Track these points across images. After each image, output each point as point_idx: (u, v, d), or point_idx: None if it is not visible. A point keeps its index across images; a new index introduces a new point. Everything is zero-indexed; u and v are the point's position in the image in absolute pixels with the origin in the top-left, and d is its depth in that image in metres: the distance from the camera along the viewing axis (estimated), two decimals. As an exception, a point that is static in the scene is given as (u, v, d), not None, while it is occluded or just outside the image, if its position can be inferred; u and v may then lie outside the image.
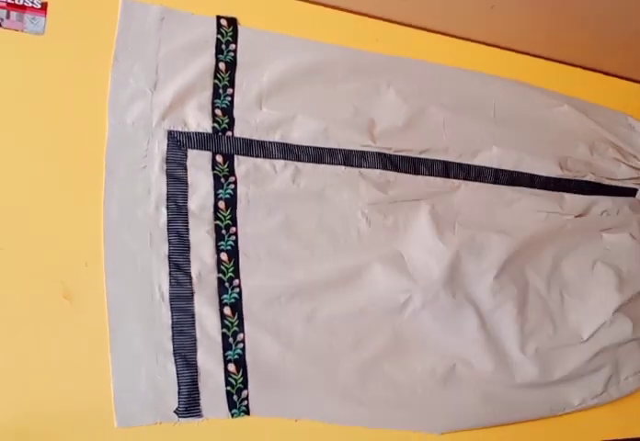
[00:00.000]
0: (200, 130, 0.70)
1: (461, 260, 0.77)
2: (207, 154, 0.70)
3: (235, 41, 0.74)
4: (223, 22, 0.73)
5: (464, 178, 0.84)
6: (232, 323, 0.66)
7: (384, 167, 0.78)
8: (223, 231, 0.68)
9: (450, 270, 0.76)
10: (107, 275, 0.63)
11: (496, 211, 0.85)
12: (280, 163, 0.73)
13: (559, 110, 0.93)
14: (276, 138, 0.74)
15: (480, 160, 0.85)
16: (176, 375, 0.63)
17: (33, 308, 0.60)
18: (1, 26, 0.64)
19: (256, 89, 0.74)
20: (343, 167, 0.76)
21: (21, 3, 0.65)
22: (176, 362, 0.63)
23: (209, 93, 0.71)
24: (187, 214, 0.67)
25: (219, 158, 0.70)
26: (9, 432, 0.57)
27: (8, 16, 0.65)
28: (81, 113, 0.66)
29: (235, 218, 0.69)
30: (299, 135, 0.75)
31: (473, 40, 0.91)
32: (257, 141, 0.73)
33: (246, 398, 0.65)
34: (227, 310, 0.66)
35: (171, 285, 0.65)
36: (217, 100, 0.72)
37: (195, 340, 0.64)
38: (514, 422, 0.77)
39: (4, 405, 0.57)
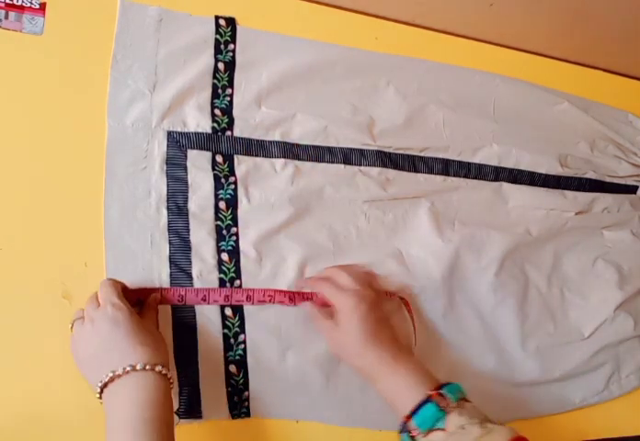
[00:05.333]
0: (200, 131, 0.70)
1: (460, 257, 0.77)
2: (207, 154, 0.70)
3: (234, 41, 0.74)
4: (222, 22, 0.73)
5: (464, 176, 0.84)
6: (233, 324, 0.66)
7: (384, 165, 0.78)
8: (224, 232, 0.68)
9: (449, 268, 0.76)
10: (107, 275, 0.63)
11: (496, 209, 0.84)
12: (279, 162, 0.73)
13: (559, 108, 0.93)
14: (276, 137, 0.74)
15: (480, 158, 0.85)
16: (177, 376, 0.63)
17: (32, 308, 0.60)
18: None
19: (255, 89, 0.74)
20: (343, 166, 0.76)
21: (20, 3, 0.65)
22: (177, 363, 0.64)
23: (208, 93, 0.71)
24: (187, 215, 0.67)
25: (219, 158, 0.70)
26: (8, 432, 0.57)
27: (7, 17, 0.65)
28: (80, 114, 0.66)
29: (236, 218, 0.69)
30: (299, 134, 0.75)
31: (472, 38, 0.91)
32: (257, 141, 0.73)
33: (247, 399, 0.65)
34: (228, 311, 0.66)
35: (172, 286, 0.65)
36: (216, 100, 0.72)
37: (196, 341, 0.64)
38: (514, 420, 0.77)
39: (3, 406, 0.57)
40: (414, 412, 0.57)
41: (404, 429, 0.58)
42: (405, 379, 0.60)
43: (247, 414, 0.65)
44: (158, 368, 0.54)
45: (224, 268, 0.67)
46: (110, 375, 0.52)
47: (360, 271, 0.67)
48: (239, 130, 0.72)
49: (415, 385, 0.59)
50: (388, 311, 0.65)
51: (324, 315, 0.64)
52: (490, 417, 0.59)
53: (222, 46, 0.73)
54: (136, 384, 0.52)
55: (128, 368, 0.52)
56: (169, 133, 0.68)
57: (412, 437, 0.57)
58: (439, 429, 0.56)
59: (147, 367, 0.53)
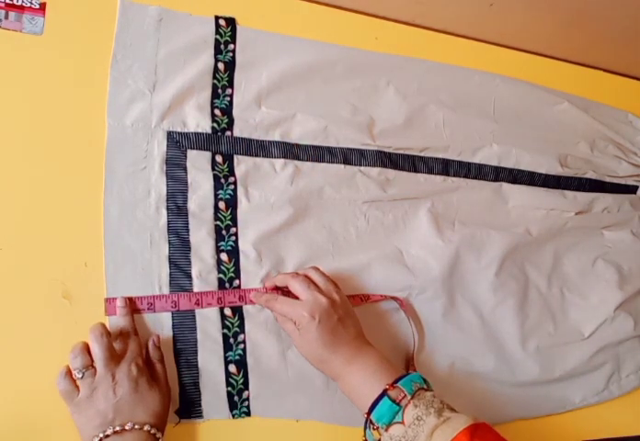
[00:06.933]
0: (200, 131, 0.70)
1: (460, 257, 0.77)
2: (207, 155, 0.70)
3: (234, 41, 0.74)
4: (222, 22, 0.73)
5: (464, 176, 0.84)
6: (232, 324, 0.66)
7: (384, 165, 0.78)
8: (224, 232, 0.68)
9: (449, 267, 0.76)
10: (107, 275, 0.63)
11: (496, 209, 0.85)
12: (279, 162, 0.73)
13: (559, 108, 0.93)
14: (275, 137, 0.74)
15: (480, 158, 0.85)
16: (177, 376, 0.63)
17: (32, 308, 0.60)
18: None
19: (255, 89, 0.74)
20: (342, 166, 0.76)
21: (20, 3, 0.65)
22: (177, 363, 0.63)
23: (208, 93, 0.71)
24: (187, 215, 0.67)
25: (218, 158, 0.70)
26: (8, 432, 0.57)
27: (7, 17, 0.65)
28: (80, 114, 0.66)
29: (236, 218, 0.69)
30: (299, 134, 0.75)
31: (472, 38, 0.91)
32: (257, 141, 0.73)
33: (247, 399, 0.65)
34: (227, 311, 0.66)
35: (172, 286, 0.65)
36: (216, 100, 0.72)
37: (196, 341, 0.64)
38: (514, 420, 0.77)
39: (3, 406, 0.57)
40: (372, 408, 0.58)
41: (367, 426, 0.59)
42: (363, 377, 0.61)
43: (247, 414, 0.65)
44: (153, 431, 0.56)
45: (224, 268, 0.67)
46: (111, 430, 0.54)
47: (310, 274, 0.67)
48: (239, 130, 0.72)
49: (373, 381, 0.60)
50: (346, 312, 0.65)
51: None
52: (453, 405, 0.59)
53: (222, 46, 0.73)
54: None
55: (136, 427, 0.55)
56: (169, 133, 0.68)
57: (376, 433, 0.58)
58: (398, 423, 0.57)
59: (145, 429, 0.55)
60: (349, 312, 0.66)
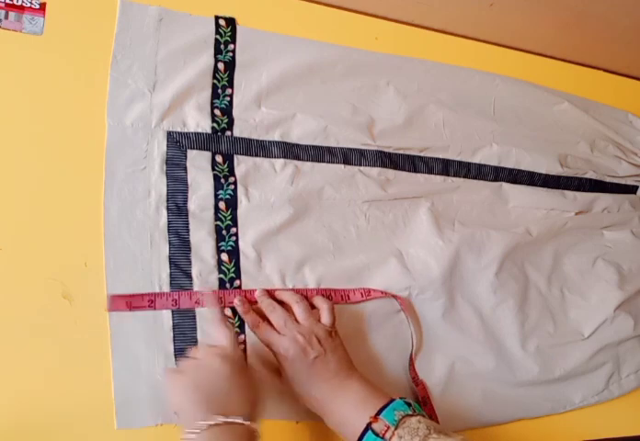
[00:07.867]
0: (200, 131, 0.70)
1: (460, 257, 0.77)
2: (207, 154, 0.70)
3: (234, 41, 0.74)
4: (222, 22, 0.73)
5: (464, 176, 0.84)
6: (232, 324, 0.66)
7: (384, 165, 0.78)
8: (224, 232, 0.68)
9: (449, 268, 0.76)
10: (107, 275, 0.63)
11: (495, 209, 0.84)
12: (279, 162, 0.73)
13: (559, 108, 0.93)
14: (275, 137, 0.74)
15: (480, 158, 0.85)
16: (177, 376, 0.63)
17: (32, 308, 0.60)
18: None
19: (255, 89, 0.74)
20: (342, 166, 0.76)
21: (20, 3, 0.65)
22: (177, 363, 0.63)
23: (208, 93, 0.71)
24: (187, 215, 0.67)
25: (218, 158, 0.70)
26: (8, 432, 0.57)
27: (7, 17, 0.65)
28: (80, 114, 0.66)
29: (236, 218, 0.69)
30: (298, 134, 0.75)
31: (472, 38, 0.91)
32: (257, 141, 0.73)
33: (247, 399, 0.65)
34: (228, 312, 0.66)
35: (172, 286, 0.65)
36: (216, 100, 0.72)
37: (196, 341, 0.64)
38: (514, 420, 0.77)
39: (3, 406, 0.57)
40: None
41: None
42: (345, 412, 0.60)
43: (247, 415, 0.65)
44: (253, 425, 0.54)
45: (224, 268, 0.67)
46: (222, 420, 0.52)
47: (294, 307, 0.66)
48: (239, 130, 0.72)
49: (355, 416, 0.59)
50: (329, 346, 0.63)
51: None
52: (441, 427, 0.58)
53: (222, 46, 0.73)
54: (233, 435, 0.53)
55: (238, 420, 0.53)
56: (169, 133, 0.68)
57: None
58: None
59: (246, 422, 0.53)
60: (332, 347, 0.63)
